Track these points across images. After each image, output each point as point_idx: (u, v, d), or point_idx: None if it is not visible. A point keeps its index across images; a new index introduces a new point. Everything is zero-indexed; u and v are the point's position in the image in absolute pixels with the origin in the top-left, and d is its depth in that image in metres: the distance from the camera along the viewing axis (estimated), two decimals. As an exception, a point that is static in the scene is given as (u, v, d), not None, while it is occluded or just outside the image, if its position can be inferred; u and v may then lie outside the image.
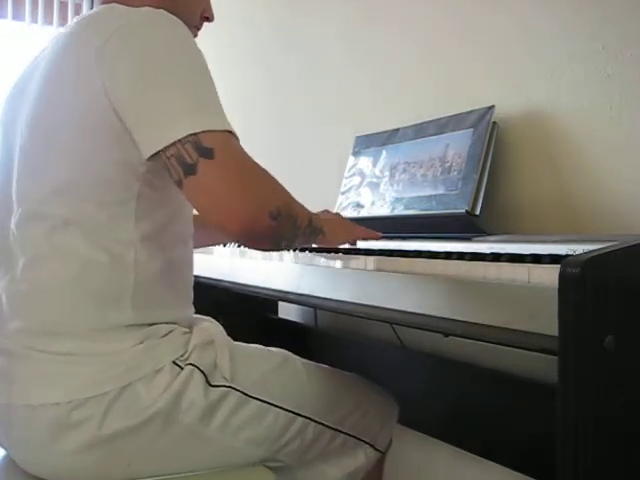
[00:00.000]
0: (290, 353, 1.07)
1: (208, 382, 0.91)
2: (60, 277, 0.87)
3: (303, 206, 0.90)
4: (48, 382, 0.86)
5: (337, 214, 1.12)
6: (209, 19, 1.09)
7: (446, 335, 0.99)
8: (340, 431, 1.03)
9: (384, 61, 1.66)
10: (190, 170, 0.77)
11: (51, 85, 0.90)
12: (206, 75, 0.86)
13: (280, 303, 1.98)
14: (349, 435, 1.05)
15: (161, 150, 0.79)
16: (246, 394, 0.94)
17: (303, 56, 2.01)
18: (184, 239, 0.97)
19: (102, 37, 0.84)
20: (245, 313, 1.71)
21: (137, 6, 0.89)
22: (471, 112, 1.27)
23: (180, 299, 0.97)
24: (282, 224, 0.82)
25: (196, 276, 1.62)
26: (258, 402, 0.95)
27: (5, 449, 0.95)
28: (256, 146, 2.32)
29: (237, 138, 0.84)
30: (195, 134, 0.78)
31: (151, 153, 0.80)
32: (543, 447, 1.15)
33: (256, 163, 0.82)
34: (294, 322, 1.95)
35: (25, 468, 0.91)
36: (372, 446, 1.08)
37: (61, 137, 0.87)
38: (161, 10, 0.87)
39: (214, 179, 0.78)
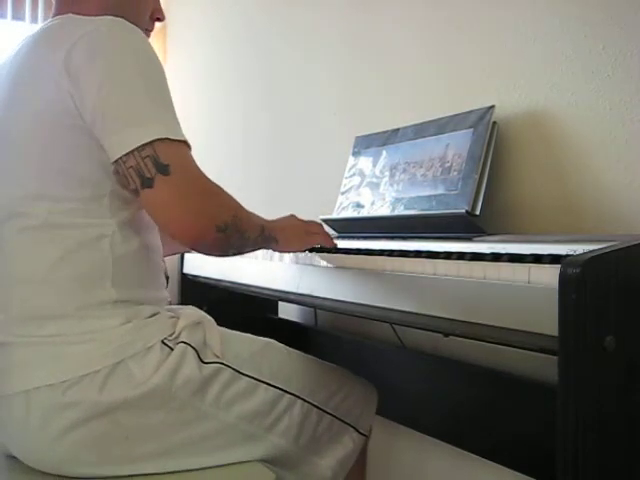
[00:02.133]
0: (273, 340, 1.11)
1: (200, 359, 0.96)
2: (41, 264, 0.90)
3: (255, 217, 0.98)
4: (40, 365, 0.88)
5: (293, 218, 1.13)
6: (160, 19, 1.12)
7: (446, 335, 0.99)
8: (325, 411, 1.08)
9: (384, 61, 1.66)
10: (147, 183, 0.85)
11: (19, 92, 0.95)
12: (164, 85, 0.92)
13: (280, 303, 1.99)
14: (334, 417, 1.09)
15: (122, 156, 0.86)
16: (237, 371, 0.99)
17: (303, 55, 2.01)
18: (152, 226, 1.01)
19: (65, 48, 0.88)
20: (245, 313, 1.71)
21: (92, 15, 0.93)
22: (471, 112, 1.27)
23: (154, 280, 1.01)
24: (229, 236, 0.90)
25: (196, 276, 1.63)
26: (248, 379, 1.00)
27: (2, 443, 0.95)
28: (256, 146, 2.34)
29: (190, 147, 0.91)
30: (151, 143, 0.84)
31: (115, 158, 0.87)
32: (543, 447, 1.15)
33: (207, 179, 0.90)
34: (294, 322, 1.95)
35: (23, 460, 0.92)
36: (356, 429, 1.13)
37: (32, 142, 0.92)
38: (121, 19, 0.92)
39: (169, 195, 0.86)
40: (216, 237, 0.88)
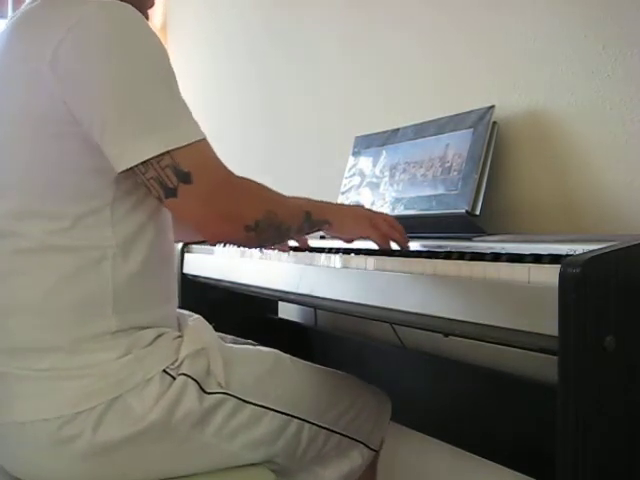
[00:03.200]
0: (280, 352, 1.06)
1: (203, 390, 0.90)
2: (36, 292, 0.84)
3: (299, 204, 0.93)
4: (36, 399, 0.84)
5: (360, 207, 1.12)
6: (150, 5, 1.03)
7: (446, 335, 0.99)
8: (334, 431, 1.03)
9: (384, 61, 1.66)
10: (171, 193, 0.81)
11: (1, 93, 0.87)
12: (170, 77, 0.84)
13: (280, 303, 1.98)
14: (343, 435, 1.04)
15: (136, 166, 0.80)
16: (242, 399, 0.93)
17: (303, 56, 2.01)
18: (162, 235, 0.94)
19: (53, 39, 0.79)
20: (245, 313, 1.71)
21: None
22: (471, 112, 1.27)
23: (162, 296, 0.95)
24: (262, 232, 0.86)
25: (196, 276, 1.63)
26: (253, 406, 0.94)
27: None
28: (256, 147, 2.33)
29: (207, 140, 0.85)
30: (169, 152, 0.79)
31: (124, 168, 0.80)
32: (543, 447, 1.15)
33: (233, 177, 0.86)
34: (294, 322, 1.95)
35: (20, 475, 0.90)
36: (366, 445, 1.08)
37: (15, 150, 0.85)
38: (115, 1, 0.82)
39: (194, 203, 0.82)
40: (246, 236, 0.86)
